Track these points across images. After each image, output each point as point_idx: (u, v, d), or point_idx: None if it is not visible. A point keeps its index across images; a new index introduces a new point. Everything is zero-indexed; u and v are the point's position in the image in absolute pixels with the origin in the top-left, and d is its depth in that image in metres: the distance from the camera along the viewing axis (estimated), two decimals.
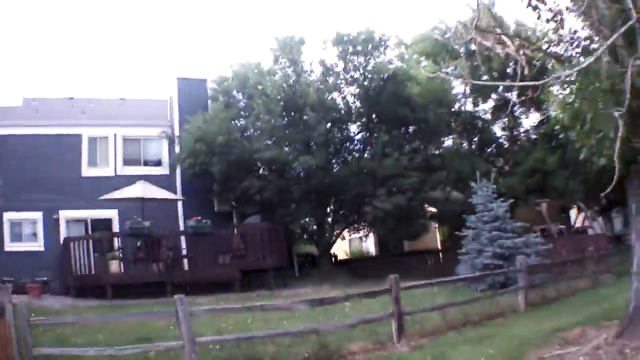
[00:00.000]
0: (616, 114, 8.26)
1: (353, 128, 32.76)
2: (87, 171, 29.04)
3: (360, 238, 39.29)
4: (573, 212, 40.76)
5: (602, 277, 22.11)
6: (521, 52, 9.55)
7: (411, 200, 28.84)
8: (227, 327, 14.92)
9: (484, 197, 24.16)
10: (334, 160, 31.18)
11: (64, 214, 28.06)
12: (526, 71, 9.90)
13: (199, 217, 25.06)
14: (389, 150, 29.57)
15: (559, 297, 18.97)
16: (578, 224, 38.67)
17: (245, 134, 29.55)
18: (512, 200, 25.03)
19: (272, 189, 28.24)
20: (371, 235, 41.60)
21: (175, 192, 28.95)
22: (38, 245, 27.64)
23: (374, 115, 31.67)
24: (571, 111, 9.83)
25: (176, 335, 11.23)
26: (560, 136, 14.97)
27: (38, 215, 27.85)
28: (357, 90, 30.74)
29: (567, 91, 10.01)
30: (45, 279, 24.33)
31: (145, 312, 16.63)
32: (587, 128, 9.36)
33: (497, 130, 39.07)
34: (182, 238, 27.26)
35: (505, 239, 22.79)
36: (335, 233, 33.98)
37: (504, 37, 9.56)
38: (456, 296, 19.93)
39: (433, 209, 36.70)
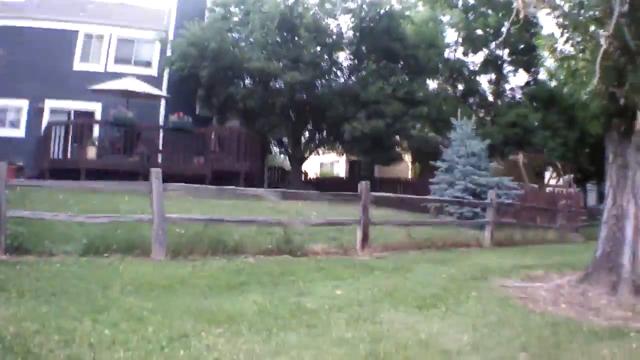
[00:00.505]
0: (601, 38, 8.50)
1: (343, 55, 32.91)
2: (78, 65, 29.20)
3: (332, 163, 39.31)
4: (547, 174, 41.18)
5: (571, 235, 22.29)
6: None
7: (390, 127, 28.98)
8: (197, 213, 15.04)
9: (463, 133, 24.43)
10: (320, 81, 31.25)
11: (50, 104, 28.31)
12: (521, 14, 9.80)
13: (181, 113, 25.50)
14: (374, 79, 29.69)
15: (525, 242, 19.13)
16: (556, 184, 38.94)
17: (238, 46, 29.60)
18: (488, 141, 25.22)
19: (256, 98, 28.34)
20: (342, 160, 42.01)
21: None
22: (19, 132, 27.94)
23: (364, 47, 31.87)
24: (568, 68, 10.10)
25: (146, 212, 11.50)
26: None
27: (24, 102, 28.08)
28: (353, 19, 30.76)
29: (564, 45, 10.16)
30: (21, 164, 24.53)
31: (119, 182, 17.00)
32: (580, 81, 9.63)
33: (484, 83, 39.61)
34: (160, 135, 27.75)
35: (479, 175, 23.07)
36: (309, 149, 34.46)
37: None
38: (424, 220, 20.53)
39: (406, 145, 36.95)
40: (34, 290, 7.43)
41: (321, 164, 47.95)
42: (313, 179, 41.32)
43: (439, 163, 24.47)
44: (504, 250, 16.74)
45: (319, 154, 38.54)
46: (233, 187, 13.92)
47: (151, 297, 7.57)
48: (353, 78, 31.96)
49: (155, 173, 11.18)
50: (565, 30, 9.76)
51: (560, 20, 9.51)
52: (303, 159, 34.42)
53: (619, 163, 9.93)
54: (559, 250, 17.59)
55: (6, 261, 9.56)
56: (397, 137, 33.56)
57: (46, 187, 14.50)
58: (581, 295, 9.42)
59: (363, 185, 13.93)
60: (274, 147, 34.09)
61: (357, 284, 9.56)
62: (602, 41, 8.49)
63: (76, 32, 29.48)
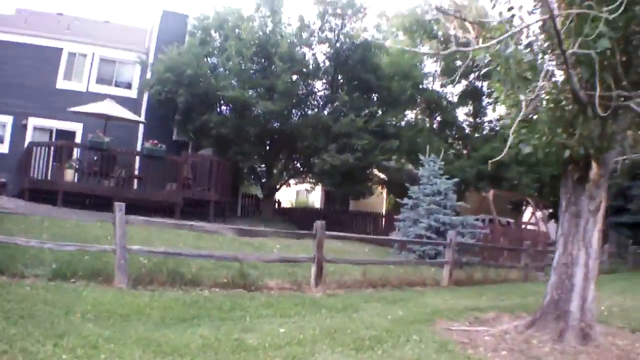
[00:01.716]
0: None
1: (318, 85, 33.45)
2: (61, 84, 29.98)
3: (307, 190, 39.71)
4: (527, 211, 41.50)
5: (536, 274, 22.47)
6: (480, 39, 9.16)
7: (359, 161, 29.38)
8: (160, 244, 15.36)
9: (430, 170, 24.73)
10: (293, 111, 31.81)
11: (33, 121, 29.16)
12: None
13: (155, 141, 25.83)
14: (347, 110, 30.15)
15: (486, 282, 19.41)
16: (529, 222, 39.23)
17: (215, 72, 30.21)
18: (456, 180, 25.47)
19: (230, 126, 28.86)
20: (319, 190, 42.01)
21: (139, 116, 29.72)
22: (3, 148, 28.66)
23: (339, 76, 32.51)
24: (510, 101, 10.02)
25: (111, 243, 11.98)
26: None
27: (9, 119, 28.91)
28: (329, 49, 31.46)
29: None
30: (3, 180, 25.18)
31: (84, 215, 17.78)
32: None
33: (461, 115, 39.98)
34: (137, 159, 28.18)
35: (443, 214, 23.35)
36: (282, 180, 34.78)
37: (466, 23, 9.65)
38: (384, 259, 20.66)
39: (383, 175, 37.39)
40: (5, 312, 7.91)
41: (297, 192, 47.91)
42: (286, 208, 41.34)
43: (405, 200, 24.84)
44: (461, 290, 16.93)
45: (289, 186, 38.84)
46: (191, 223, 14.40)
47: (108, 325, 8.02)
48: (327, 109, 32.32)
49: (119, 206, 11.65)
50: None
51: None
52: (275, 189, 34.87)
53: (572, 211, 10.12)
54: (520, 290, 17.75)
55: None
56: (371, 170, 34.16)
57: (21, 214, 14.97)
58: (525, 342, 9.49)
59: (318, 224, 14.19)
60: (248, 176, 34.56)
61: (302, 322, 9.74)
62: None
63: (60, 49, 30.33)
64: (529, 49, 8.82)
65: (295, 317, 10.16)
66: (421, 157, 25.82)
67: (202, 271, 12.97)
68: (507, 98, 10.05)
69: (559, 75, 9.33)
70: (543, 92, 9.21)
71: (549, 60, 8.91)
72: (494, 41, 8.19)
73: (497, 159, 7.98)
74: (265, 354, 7.49)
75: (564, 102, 9.45)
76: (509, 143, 9.09)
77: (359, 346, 8.34)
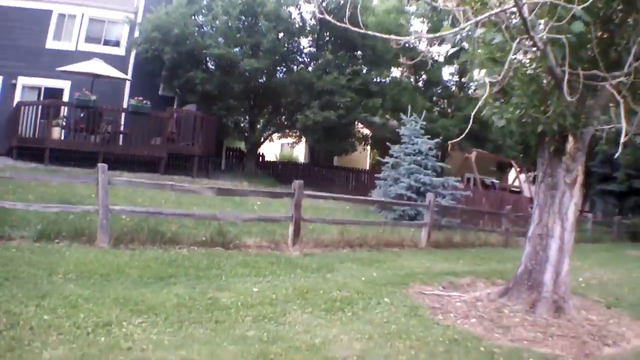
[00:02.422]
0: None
1: (304, 42, 33.59)
2: (51, 44, 29.87)
3: (291, 144, 39.75)
4: (511, 173, 41.49)
5: (517, 239, 21.87)
6: (460, 7, 9.13)
7: (342, 118, 29.72)
8: (142, 202, 15.99)
9: (412, 130, 24.81)
10: (278, 68, 31.82)
11: (22, 80, 29.05)
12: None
13: (140, 98, 26.12)
14: (331, 68, 30.25)
15: (465, 245, 19.37)
16: (513, 184, 38.84)
17: (201, 31, 30.37)
18: (439, 140, 25.38)
19: (215, 82, 29.04)
20: (303, 144, 42.04)
21: (126, 73, 29.84)
22: None
23: (326, 34, 32.67)
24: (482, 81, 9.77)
25: (95, 203, 12.24)
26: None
27: None
28: (314, 8, 31.04)
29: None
30: None
31: (69, 176, 17.93)
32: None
33: (446, 74, 39.93)
34: (123, 116, 28.64)
35: (424, 174, 23.46)
36: (265, 134, 35.13)
37: None
38: (363, 218, 20.82)
39: (367, 131, 37.64)
40: None
41: (282, 145, 47.75)
42: (270, 162, 41.26)
43: (386, 158, 25.01)
44: (439, 252, 16.99)
45: (273, 140, 39.10)
46: (171, 183, 14.61)
47: (89, 285, 8.38)
48: (312, 66, 32.40)
49: (102, 168, 11.90)
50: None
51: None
52: (259, 143, 35.23)
53: (548, 182, 10.17)
54: (499, 255, 17.81)
55: None
56: (354, 127, 34.53)
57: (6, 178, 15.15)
58: (496, 310, 9.61)
59: (296, 183, 14.48)
60: (232, 131, 34.72)
61: (276, 281, 10.05)
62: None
63: (50, 11, 30.04)
64: (498, 31, 8.41)
65: (270, 277, 10.44)
66: (403, 116, 25.99)
67: (182, 229, 13.25)
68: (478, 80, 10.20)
69: (535, 51, 9.02)
70: (516, 65, 8.99)
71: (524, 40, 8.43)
72: (463, 25, 7.93)
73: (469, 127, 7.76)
74: (237, 313, 7.82)
75: (539, 77, 9.47)
76: (482, 113, 9.14)
77: (330, 307, 8.71)
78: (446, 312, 9.32)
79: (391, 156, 25.02)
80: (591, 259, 19.23)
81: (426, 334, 7.80)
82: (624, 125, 7.13)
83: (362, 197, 22.75)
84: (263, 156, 39.78)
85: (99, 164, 12.20)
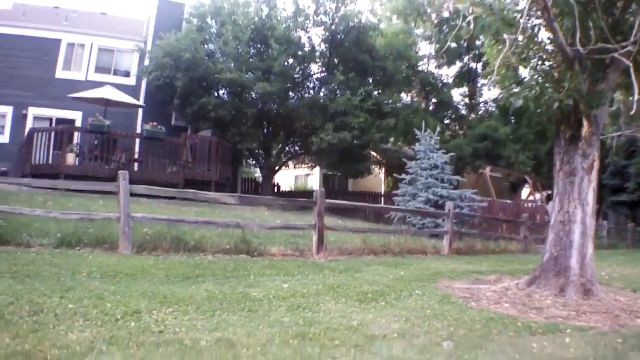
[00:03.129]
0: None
1: (314, 68, 33.39)
2: (60, 74, 30.06)
3: (305, 175, 39.65)
4: (524, 192, 41.37)
5: (536, 246, 22.48)
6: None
7: (357, 139, 29.65)
8: (162, 213, 15.53)
9: (427, 145, 24.82)
10: (290, 93, 31.85)
11: (33, 111, 29.24)
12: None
13: (155, 122, 25.92)
14: (343, 90, 30.20)
15: (486, 252, 19.52)
16: (527, 199, 38.98)
17: (212, 57, 30.33)
18: (452, 154, 25.57)
19: (228, 108, 29.08)
20: (317, 174, 41.68)
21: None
22: (4, 138, 28.71)
23: (335, 58, 32.42)
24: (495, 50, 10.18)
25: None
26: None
27: (9, 109, 29.00)
28: (324, 32, 31.50)
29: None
30: (4, 169, 25.25)
31: (88, 182, 18.00)
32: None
33: (456, 96, 40.17)
34: (137, 142, 28.42)
35: (441, 187, 23.47)
36: (281, 161, 34.95)
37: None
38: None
39: (379, 158, 37.46)
40: (10, 273, 8.07)
41: (296, 177, 47.97)
42: (286, 191, 41.18)
43: (403, 175, 24.98)
44: (462, 258, 17.03)
45: (288, 167, 39.08)
46: (194, 190, 14.49)
47: (114, 282, 8.20)
48: (324, 90, 32.38)
49: (123, 175, 11.87)
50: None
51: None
52: (274, 170, 35.03)
53: (566, 170, 10.33)
54: (520, 259, 17.81)
55: None
56: (368, 151, 34.36)
57: (24, 185, 15.05)
58: (527, 296, 9.69)
59: (318, 192, 14.42)
60: (247, 158, 34.67)
61: (305, 279, 9.96)
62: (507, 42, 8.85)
63: (59, 40, 30.39)
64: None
65: (299, 276, 10.39)
66: (417, 132, 25.91)
67: (205, 239, 13.00)
68: (492, 47, 10.41)
69: (545, 38, 9.49)
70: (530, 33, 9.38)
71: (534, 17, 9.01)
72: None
73: None
74: (270, 304, 7.70)
75: (551, 60, 9.81)
76: (492, 79, 9.16)
77: (362, 299, 8.59)
78: (478, 300, 9.41)
79: (407, 173, 25.03)
80: (610, 261, 19.31)
81: (462, 315, 7.83)
82: (635, 89, 7.61)
83: (383, 206, 22.80)
84: (278, 186, 39.72)
85: (120, 172, 12.14)
